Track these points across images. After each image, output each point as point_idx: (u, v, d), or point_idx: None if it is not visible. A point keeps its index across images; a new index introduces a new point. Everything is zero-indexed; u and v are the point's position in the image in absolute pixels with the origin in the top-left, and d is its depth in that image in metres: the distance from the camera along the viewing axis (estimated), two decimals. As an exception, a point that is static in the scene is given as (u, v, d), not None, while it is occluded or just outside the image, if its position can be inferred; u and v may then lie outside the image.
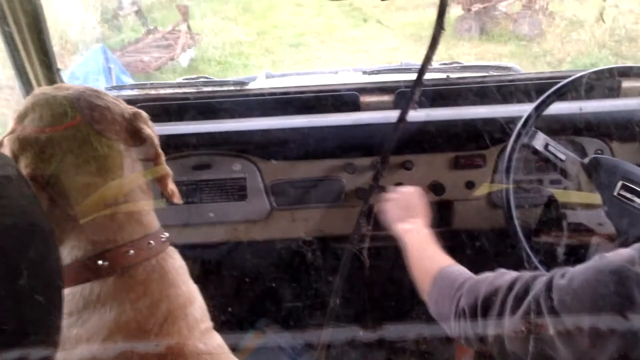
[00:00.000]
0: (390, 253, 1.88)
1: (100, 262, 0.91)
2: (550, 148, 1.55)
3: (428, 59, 0.70)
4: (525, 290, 0.96)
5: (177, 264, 1.03)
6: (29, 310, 0.53)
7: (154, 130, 1.10)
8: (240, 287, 2.01)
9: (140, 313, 0.91)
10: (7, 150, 0.90)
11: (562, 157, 1.55)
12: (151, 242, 0.98)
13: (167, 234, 1.04)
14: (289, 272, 1.99)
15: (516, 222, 1.52)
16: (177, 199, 1.15)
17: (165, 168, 1.13)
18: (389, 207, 1.55)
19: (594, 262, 0.90)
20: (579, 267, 0.91)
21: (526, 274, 1.01)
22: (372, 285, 1.36)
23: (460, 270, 1.21)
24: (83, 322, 0.88)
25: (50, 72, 1.84)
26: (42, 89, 1.01)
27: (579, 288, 0.87)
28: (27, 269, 0.52)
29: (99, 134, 0.97)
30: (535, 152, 1.56)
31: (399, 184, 1.83)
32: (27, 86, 1.80)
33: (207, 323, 1.03)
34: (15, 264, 0.52)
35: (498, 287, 1.02)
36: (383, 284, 1.36)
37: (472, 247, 1.80)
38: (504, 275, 1.05)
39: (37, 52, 1.76)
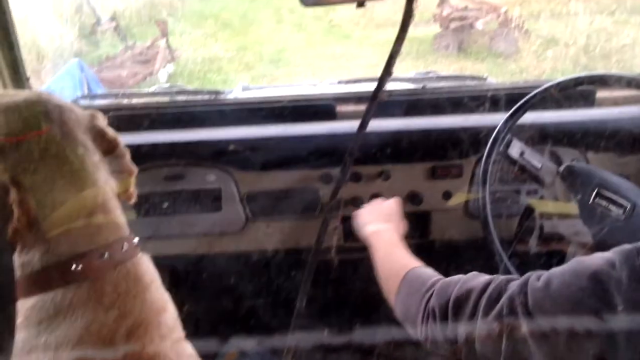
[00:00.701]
0: (363, 261, 1.87)
1: (74, 266, 0.88)
2: (525, 156, 1.55)
3: (390, 61, 0.68)
4: (499, 292, 0.94)
5: (150, 269, 1.00)
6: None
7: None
8: (215, 300, 1.96)
9: (113, 319, 0.88)
10: None
11: (538, 165, 1.55)
12: (124, 246, 0.95)
13: (137, 239, 1.02)
14: (264, 284, 1.95)
15: (493, 232, 1.51)
16: (132, 200, 1.12)
17: (133, 167, 1.11)
18: (362, 213, 1.55)
19: (571, 265, 0.88)
20: (556, 270, 0.90)
21: (500, 277, 0.99)
22: (342, 291, 1.34)
23: (430, 272, 1.19)
24: (53, 329, 0.85)
25: (20, 83, 1.80)
26: None
27: (556, 291, 0.86)
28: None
29: (68, 139, 0.94)
30: (511, 160, 1.56)
31: (376, 194, 1.82)
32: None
33: (179, 332, 1.00)
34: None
35: (471, 289, 1.00)
36: (351, 288, 1.34)
37: (449, 257, 1.78)
38: (477, 277, 1.03)
39: (7, 63, 1.72)
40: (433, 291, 1.08)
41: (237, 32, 9.88)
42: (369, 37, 9.31)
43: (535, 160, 1.55)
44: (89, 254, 0.90)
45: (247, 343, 1.91)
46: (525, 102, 1.54)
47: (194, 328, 1.07)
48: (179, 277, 1.92)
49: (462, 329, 0.98)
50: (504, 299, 0.92)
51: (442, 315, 1.03)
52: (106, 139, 1.03)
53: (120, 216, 1.01)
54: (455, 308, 1.00)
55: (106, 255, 0.92)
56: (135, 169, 1.11)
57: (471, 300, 0.98)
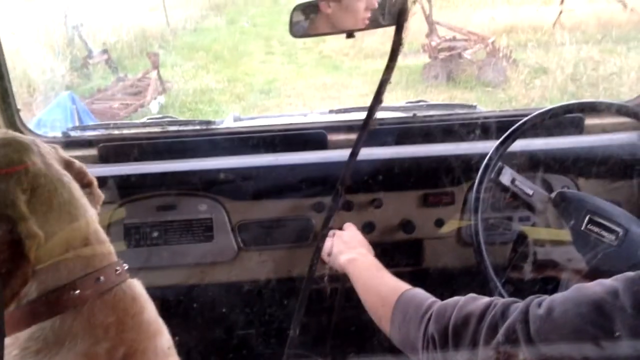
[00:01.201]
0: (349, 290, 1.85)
1: (72, 292, 0.88)
2: (517, 183, 1.56)
3: (380, 89, 0.69)
4: (499, 318, 0.93)
5: (143, 293, 1.01)
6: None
7: None
8: (207, 330, 1.94)
9: (112, 341, 0.88)
10: None
11: (530, 192, 1.55)
12: (118, 268, 0.97)
13: (125, 265, 1.02)
14: (257, 314, 1.93)
15: (487, 259, 1.50)
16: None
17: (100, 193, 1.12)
18: (330, 245, 1.55)
19: (573, 292, 0.88)
20: (557, 297, 0.89)
21: (499, 301, 0.98)
22: (336, 319, 1.32)
23: (423, 294, 1.18)
24: (52, 357, 0.85)
25: (10, 115, 1.80)
26: None
27: (558, 319, 0.85)
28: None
29: (51, 171, 0.96)
30: (503, 187, 1.57)
31: (369, 222, 1.81)
32: (-15, 127, 1.75)
33: (175, 358, 0.99)
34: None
35: (470, 313, 0.99)
36: (347, 317, 1.33)
37: (443, 285, 1.77)
38: (475, 301, 1.02)
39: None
40: (431, 315, 1.07)
41: (228, 64, 9.97)
42: (359, 68, 9.42)
43: (527, 187, 1.56)
44: (85, 278, 0.91)
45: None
46: (516, 129, 1.55)
47: (186, 358, 1.06)
48: (171, 307, 1.89)
49: (463, 356, 0.97)
50: (505, 326, 0.91)
51: (442, 342, 1.02)
52: (74, 168, 1.04)
53: (107, 242, 1.02)
54: (455, 334, 1.00)
55: (102, 278, 0.92)
56: (102, 195, 1.12)
57: (471, 326, 0.97)
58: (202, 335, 1.97)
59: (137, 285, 1.01)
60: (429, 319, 1.06)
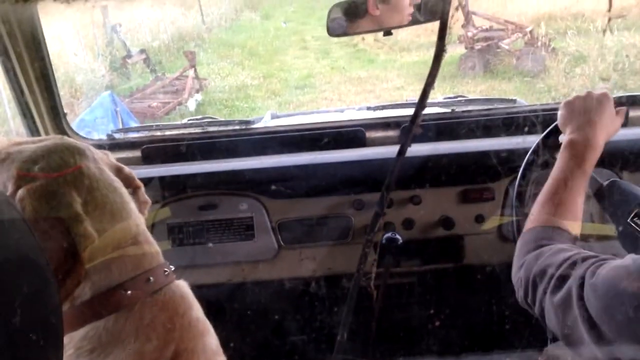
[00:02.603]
0: (399, 287, 1.85)
1: (124, 291, 0.91)
2: None
3: (428, 86, 0.69)
4: (570, 271, 0.98)
5: (190, 293, 1.04)
6: (23, 350, 0.51)
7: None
8: (249, 328, 1.97)
9: (163, 340, 0.91)
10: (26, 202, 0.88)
11: None
12: (166, 269, 1.00)
13: (172, 266, 1.05)
14: (299, 311, 1.95)
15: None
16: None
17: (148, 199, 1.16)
18: (564, 108, 1.39)
19: (624, 263, 0.92)
20: (610, 267, 0.92)
21: (578, 257, 1.01)
22: (381, 319, 1.33)
23: (539, 236, 1.18)
24: (106, 356, 0.88)
25: (57, 119, 1.85)
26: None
27: (607, 290, 0.89)
28: (21, 306, 0.50)
29: (103, 174, 0.99)
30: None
31: (408, 219, 1.81)
32: (34, 132, 1.81)
33: (222, 357, 1.02)
34: (9, 301, 0.50)
35: (548, 265, 1.05)
36: (392, 318, 1.33)
37: (484, 281, 1.77)
38: (560, 254, 1.06)
39: (44, 99, 1.79)
40: (525, 262, 1.13)
41: (263, 60, 10.02)
42: (394, 61, 9.36)
43: None
44: (136, 279, 0.94)
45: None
46: None
47: (229, 356, 1.08)
48: (213, 305, 1.93)
49: (537, 302, 1.06)
50: (566, 287, 0.96)
51: (525, 289, 1.10)
52: (123, 174, 1.08)
53: (155, 244, 1.05)
54: (534, 285, 1.07)
55: (151, 279, 0.95)
56: (149, 200, 1.15)
57: (545, 279, 1.04)
58: (243, 332, 2.00)
59: (184, 286, 1.03)
60: (522, 266, 1.14)
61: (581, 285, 0.94)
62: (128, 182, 1.08)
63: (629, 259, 0.92)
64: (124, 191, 1.03)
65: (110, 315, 0.91)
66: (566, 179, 1.24)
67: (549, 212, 1.22)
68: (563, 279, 0.99)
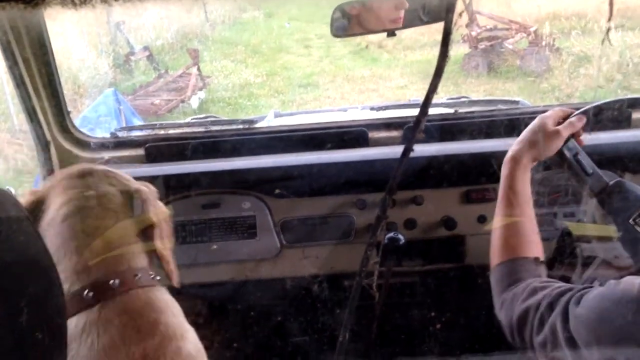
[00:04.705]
0: (400, 287, 1.86)
1: (86, 293, 0.94)
2: (579, 158, 1.49)
3: (433, 88, 0.69)
4: (550, 309, 0.97)
5: (167, 298, 1.04)
6: (30, 349, 0.52)
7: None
8: (251, 326, 1.97)
9: (128, 339, 0.92)
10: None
11: (590, 170, 1.49)
12: (138, 274, 1.01)
13: (157, 277, 1.06)
14: (300, 310, 1.96)
15: (530, 255, 1.49)
16: (175, 281, 1.17)
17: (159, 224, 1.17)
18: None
19: (608, 290, 0.89)
20: (594, 295, 0.90)
21: (553, 292, 1.01)
22: (383, 320, 1.33)
23: (507, 273, 1.19)
24: (72, 356, 0.89)
25: (61, 116, 1.86)
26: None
27: (596, 319, 0.86)
28: (27, 306, 0.51)
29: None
30: (563, 159, 1.50)
31: (410, 219, 1.82)
32: (38, 130, 1.81)
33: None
34: (15, 301, 0.51)
35: (528, 308, 1.03)
36: (394, 318, 1.34)
37: (485, 282, 1.77)
38: (535, 294, 1.05)
39: (48, 97, 1.79)
40: (503, 303, 1.12)
41: (266, 58, 10.03)
42: (397, 60, 9.36)
43: (588, 165, 1.49)
44: (99, 281, 0.97)
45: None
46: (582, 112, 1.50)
47: (230, 353, 1.08)
48: (215, 303, 1.94)
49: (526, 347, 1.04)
50: (548, 323, 0.93)
51: (510, 331, 1.09)
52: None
53: (137, 255, 1.08)
54: (519, 328, 1.06)
55: (116, 281, 0.98)
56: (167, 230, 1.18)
57: (528, 322, 1.02)
58: (246, 332, 2.01)
59: (158, 291, 1.04)
60: (502, 306, 1.13)
61: (565, 320, 0.92)
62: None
63: (611, 284, 0.91)
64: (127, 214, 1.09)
65: (74, 316, 0.93)
66: (509, 199, 1.30)
67: (507, 243, 1.25)
68: (543, 320, 0.98)
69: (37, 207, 1.05)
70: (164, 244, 1.14)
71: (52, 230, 1.02)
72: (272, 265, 1.87)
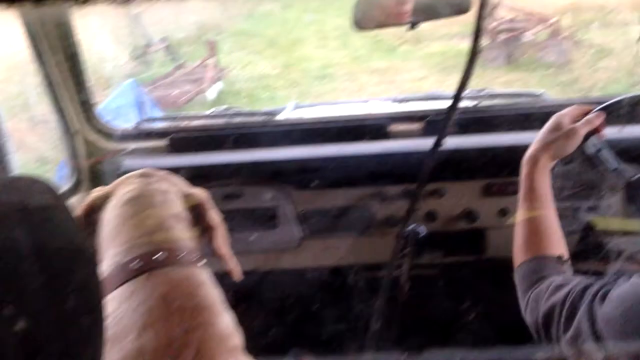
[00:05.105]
0: (421, 279, 1.86)
1: (135, 262, 1.02)
2: (601, 154, 1.48)
3: (465, 80, 0.70)
4: (574, 306, 0.96)
5: (207, 277, 1.09)
6: (74, 333, 0.54)
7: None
8: (271, 317, 1.99)
9: (168, 305, 0.97)
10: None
11: (614, 165, 1.48)
12: (183, 253, 1.07)
13: (198, 256, 1.12)
14: (321, 302, 1.97)
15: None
16: (237, 276, 1.28)
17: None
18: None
19: (633, 286, 0.88)
20: (618, 293, 0.90)
21: (578, 286, 1.00)
22: (413, 309, 1.35)
23: (534, 270, 1.20)
24: (117, 321, 0.95)
25: (86, 107, 1.88)
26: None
27: (622, 316, 0.86)
28: (73, 292, 0.53)
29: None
30: (585, 155, 1.50)
31: (431, 212, 1.82)
32: (62, 121, 1.84)
33: (237, 340, 1.04)
34: (63, 287, 0.53)
35: (553, 306, 1.03)
36: (424, 307, 1.35)
37: (506, 275, 1.77)
38: (559, 291, 1.05)
39: (75, 88, 1.82)
40: (528, 302, 1.12)
41: (282, 50, 10.02)
42: (414, 51, 9.30)
43: (612, 160, 1.48)
44: (147, 254, 1.04)
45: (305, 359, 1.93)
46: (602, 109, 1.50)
47: (250, 344, 1.10)
48: (237, 293, 1.96)
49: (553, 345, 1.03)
50: (575, 323, 0.92)
51: (537, 332, 1.09)
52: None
53: (183, 237, 1.13)
54: (546, 328, 1.06)
55: (160, 256, 1.04)
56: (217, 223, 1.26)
57: (554, 319, 1.02)
58: (265, 321, 2.03)
59: (199, 269, 1.09)
60: (528, 302, 1.13)
61: (591, 318, 0.92)
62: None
63: (636, 281, 0.91)
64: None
65: (123, 284, 1.00)
66: (530, 198, 1.31)
67: (530, 241, 1.26)
68: (569, 317, 0.98)
69: (104, 200, 1.16)
70: (224, 245, 1.25)
71: (112, 213, 1.12)
72: (293, 256, 1.89)
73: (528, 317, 1.11)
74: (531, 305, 1.10)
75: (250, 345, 1.08)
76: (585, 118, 1.39)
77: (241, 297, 1.96)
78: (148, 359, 0.90)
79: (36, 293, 0.52)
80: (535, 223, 1.28)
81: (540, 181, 1.33)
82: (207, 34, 10.08)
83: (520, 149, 1.73)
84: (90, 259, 0.59)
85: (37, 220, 0.56)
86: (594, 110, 1.43)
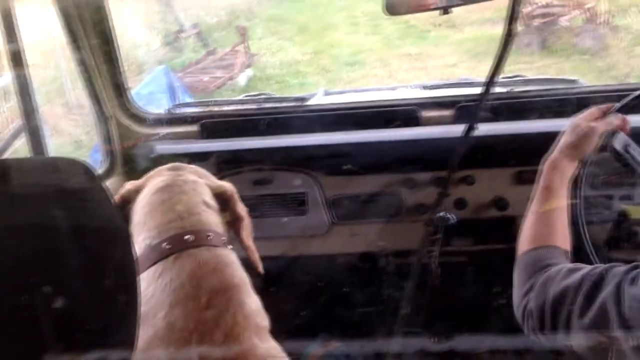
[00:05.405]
0: (449, 266, 1.86)
1: (164, 244, 1.06)
2: (630, 150, 1.46)
3: (498, 65, 0.69)
4: (595, 287, 0.94)
5: (234, 259, 1.12)
6: (112, 310, 0.56)
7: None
8: (300, 301, 2.01)
9: (196, 284, 1.00)
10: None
11: None
12: (210, 235, 1.10)
13: (225, 240, 1.15)
14: (349, 287, 1.98)
15: (586, 238, 1.47)
16: (260, 268, 1.29)
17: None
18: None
19: None
20: None
21: (596, 270, 0.98)
22: (442, 296, 1.35)
23: (541, 257, 1.18)
24: (147, 300, 0.98)
25: (120, 93, 1.92)
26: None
27: None
28: (110, 271, 0.55)
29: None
30: (614, 152, 1.47)
31: (461, 199, 1.81)
32: (97, 106, 1.88)
33: (264, 321, 1.06)
34: (100, 266, 0.55)
35: (566, 288, 1.00)
36: (453, 294, 1.35)
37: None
38: (574, 274, 1.02)
39: (109, 74, 1.85)
40: (534, 287, 1.09)
41: (313, 36, 9.99)
42: (446, 37, 9.17)
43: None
44: (177, 236, 1.08)
45: (332, 345, 1.95)
46: (624, 104, 1.47)
47: (279, 328, 1.12)
48: (266, 278, 1.98)
49: (560, 330, 1.00)
50: (598, 302, 0.91)
51: (540, 319, 1.05)
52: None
53: (211, 219, 1.17)
54: (553, 311, 1.02)
55: (190, 237, 1.08)
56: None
57: (567, 302, 0.99)
58: (294, 305, 2.05)
59: (227, 250, 1.13)
60: (530, 291, 1.10)
61: (618, 300, 0.89)
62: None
63: None
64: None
65: (154, 264, 1.04)
66: (544, 195, 1.33)
67: (539, 232, 1.25)
68: (590, 298, 0.95)
69: (137, 192, 1.20)
70: (249, 236, 1.27)
71: (143, 202, 1.17)
72: (321, 242, 1.91)
73: (532, 302, 1.08)
74: (538, 289, 1.07)
75: (280, 329, 1.09)
76: (604, 119, 1.40)
77: (271, 281, 1.98)
78: (178, 335, 0.93)
79: (74, 272, 0.54)
80: (546, 217, 1.28)
81: (558, 182, 1.33)
82: (238, 20, 10.12)
83: (554, 137, 1.71)
84: (126, 238, 0.60)
85: (75, 201, 0.58)
86: (611, 110, 1.42)
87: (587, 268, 1.03)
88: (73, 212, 0.56)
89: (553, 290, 1.03)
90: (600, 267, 1.00)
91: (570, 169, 1.37)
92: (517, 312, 1.13)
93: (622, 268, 0.94)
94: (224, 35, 9.63)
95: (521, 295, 1.13)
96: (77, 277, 0.54)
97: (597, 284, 0.95)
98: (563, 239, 1.24)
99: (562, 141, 1.39)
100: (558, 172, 1.35)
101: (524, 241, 1.26)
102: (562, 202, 1.31)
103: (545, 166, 1.37)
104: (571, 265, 1.08)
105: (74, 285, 0.54)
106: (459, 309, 1.31)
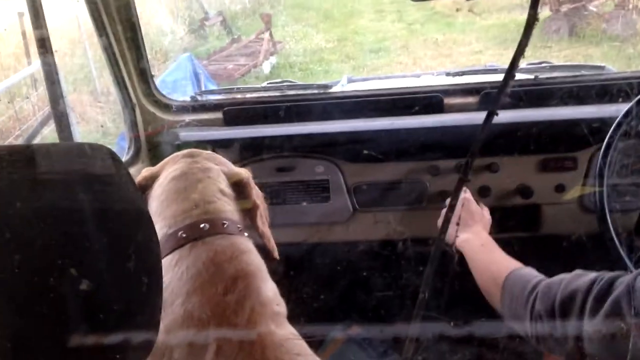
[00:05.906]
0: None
1: (180, 233, 1.07)
2: None
3: (521, 48, 0.68)
4: (606, 292, 0.93)
5: (250, 246, 1.13)
6: (136, 291, 0.58)
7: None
8: (322, 287, 2.03)
9: (212, 272, 1.02)
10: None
11: None
12: (226, 223, 1.12)
13: (241, 227, 1.16)
14: (372, 273, 1.99)
15: (611, 227, 1.45)
16: (275, 254, 1.29)
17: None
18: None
19: None
20: None
21: (605, 275, 0.97)
22: (461, 281, 1.36)
23: (530, 272, 1.21)
24: (165, 287, 0.98)
25: (145, 80, 1.94)
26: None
27: None
28: (135, 252, 0.56)
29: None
30: None
31: (485, 186, 1.80)
32: (123, 93, 1.90)
33: (281, 308, 1.07)
34: (126, 246, 0.56)
35: (575, 290, 1.01)
36: (473, 281, 1.35)
37: (562, 252, 1.73)
38: (581, 277, 1.03)
39: (134, 61, 1.87)
40: (537, 294, 1.09)
41: (337, 23, 9.94)
42: (472, 24, 9.04)
43: None
44: (192, 225, 1.09)
45: (353, 330, 1.96)
46: None
47: (301, 313, 1.13)
48: (289, 264, 2.00)
49: (570, 330, 0.99)
50: (610, 299, 0.90)
51: (550, 319, 1.04)
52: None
53: (227, 208, 1.18)
54: (562, 310, 1.02)
55: (206, 226, 1.09)
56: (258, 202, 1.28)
57: (577, 301, 0.99)
58: (316, 291, 2.06)
59: (242, 238, 1.14)
60: (535, 298, 1.09)
61: (629, 296, 0.89)
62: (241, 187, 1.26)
63: None
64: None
65: (170, 253, 1.05)
66: (488, 258, 1.40)
67: (503, 267, 1.29)
68: (600, 300, 0.95)
69: (153, 180, 1.21)
70: (264, 223, 1.28)
71: (159, 190, 1.18)
72: (344, 229, 1.91)
73: (539, 306, 1.07)
74: (541, 296, 1.07)
75: (303, 314, 1.11)
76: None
77: (294, 267, 2.00)
78: (195, 323, 0.94)
79: (99, 254, 0.56)
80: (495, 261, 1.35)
81: (479, 248, 1.44)
82: (262, 7, 10.12)
83: (581, 123, 1.68)
84: (149, 222, 0.62)
85: (100, 185, 0.59)
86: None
87: (595, 273, 1.03)
88: (98, 196, 0.58)
89: (561, 293, 1.03)
90: (609, 273, 1.00)
91: (482, 235, 1.49)
92: (525, 322, 1.13)
93: (631, 274, 0.94)
94: (248, 22, 9.64)
95: (524, 303, 1.13)
96: (102, 260, 0.56)
97: (607, 288, 0.95)
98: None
99: (462, 225, 1.51)
100: (474, 247, 1.44)
101: (493, 274, 1.30)
102: (510, 264, 1.33)
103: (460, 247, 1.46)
104: (579, 271, 1.08)
105: (99, 267, 0.56)
106: (478, 295, 1.31)
